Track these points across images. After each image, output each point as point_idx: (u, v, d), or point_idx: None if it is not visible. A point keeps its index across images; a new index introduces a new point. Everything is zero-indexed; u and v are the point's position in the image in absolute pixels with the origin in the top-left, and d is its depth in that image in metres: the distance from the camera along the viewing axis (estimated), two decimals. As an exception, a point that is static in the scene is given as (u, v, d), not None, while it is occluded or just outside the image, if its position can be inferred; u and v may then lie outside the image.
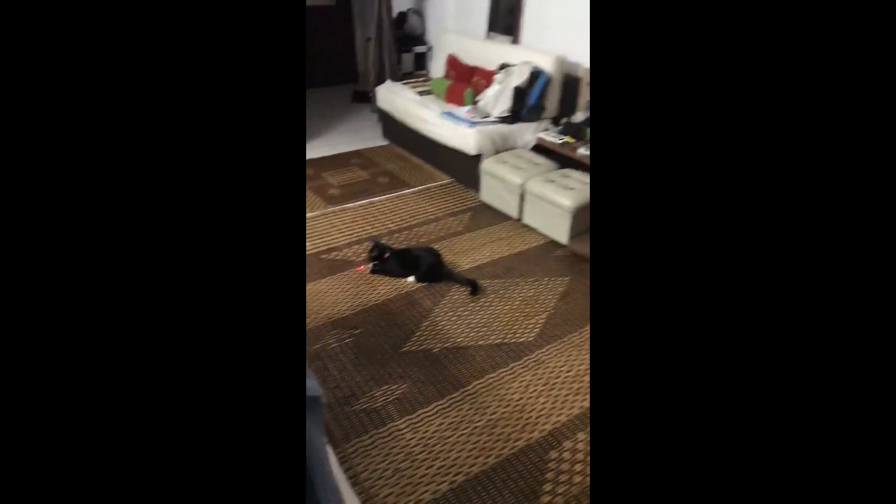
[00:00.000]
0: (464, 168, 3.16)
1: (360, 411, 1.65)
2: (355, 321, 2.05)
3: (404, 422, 1.62)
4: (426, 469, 1.47)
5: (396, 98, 3.60)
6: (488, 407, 1.67)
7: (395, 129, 3.81)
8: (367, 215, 2.90)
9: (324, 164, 3.58)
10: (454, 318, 2.07)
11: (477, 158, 3.00)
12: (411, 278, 2.30)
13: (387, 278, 2.32)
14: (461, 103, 3.34)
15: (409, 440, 1.55)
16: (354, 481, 1.43)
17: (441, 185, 3.29)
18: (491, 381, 1.78)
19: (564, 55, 3.08)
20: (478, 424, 1.61)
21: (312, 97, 5.08)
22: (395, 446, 1.53)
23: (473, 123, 3.01)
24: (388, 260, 2.32)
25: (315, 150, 3.86)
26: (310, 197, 3.10)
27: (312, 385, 0.91)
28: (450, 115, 3.16)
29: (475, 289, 2.23)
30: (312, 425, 0.97)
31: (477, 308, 2.14)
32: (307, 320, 2.05)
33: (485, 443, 1.55)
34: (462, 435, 1.57)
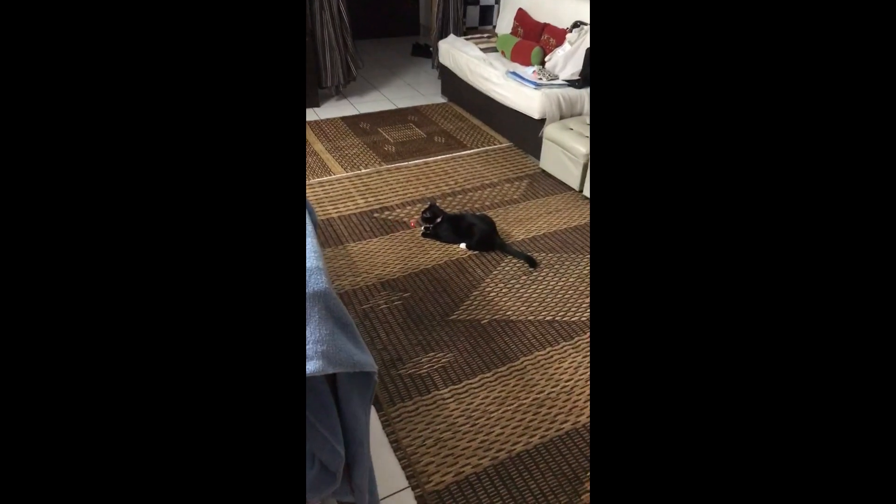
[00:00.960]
0: (525, 132, 3.02)
1: (406, 376, 1.64)
2: (405, 285, 2.03)
3: (449, 391, 1.60)
4: (468, 442, 1.45)
5: (459, 54, 3.45)
6: (535, 385, 1.63)
7: (455, 87, 3.67)
8: (422, 176, 2.84)
9: (380, 119, 3.52)
10: (505, 291, 2.01)
11: (540, 123, 2.86)
12: (463, 245, 2.24)
13: (438, 243, 2.28)
14: (528, 63, 3.16)
15: (452, 410, 1.54)
16: (396, 446, 1.43)
17: (499, 149, 3.17)
18: (540, 358, 1.73)
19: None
20: (524, 402, 1.57)
21: (372, 48, 4.97)
22: (438, 415, 1.52)
23: (539, 85, 2.85)
24: (440, 224, 2.27)
25: (371, 103, 3.80)
26: (365, 153, 3.06)
27: (367, 361, 0.89)
28: (514, 74, 3.00)
29: (532, 263, 2.15)
30: (360, 403, 0.95)
31: (529, 282, 2.07)
32: (357, 279, 2.05)
33: (530, 421, 1.52)
34: (507, 411, 1.54)
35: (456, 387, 1.61)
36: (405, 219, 2.44)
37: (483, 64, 3.23)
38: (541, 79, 2.90)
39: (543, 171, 2.89)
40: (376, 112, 3.64)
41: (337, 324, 0.85)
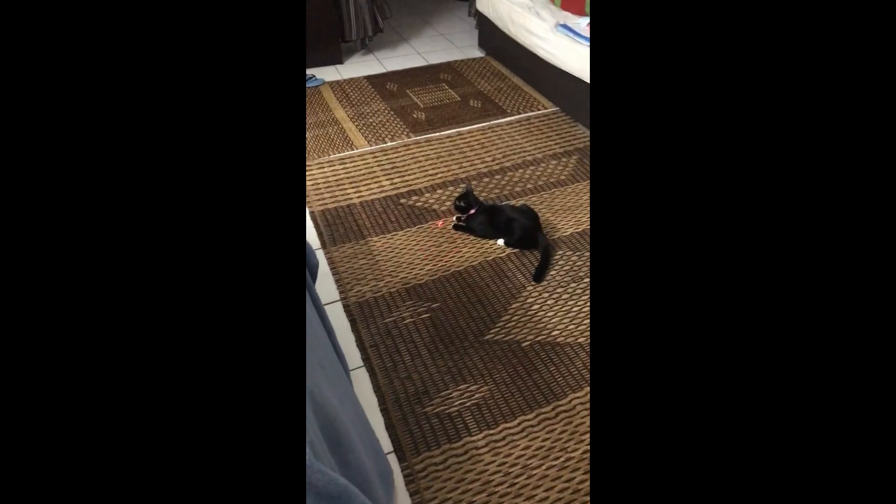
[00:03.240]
0: (574, 97, 2.61)
1: (433, 415, 1.41)
2: (433, 292, 1.76)
3: (483, 437, 1.36)
4: (506, 507, 1.22)
5: (499, 1, 2.99)
6: (587, 432, 1.37)
7: (495, 40, 3.23)
8: (455, 150, 2.50)
9: (409, 79, 3.14)
10: (551, 303, 1.72)
11: (594, 88, 2.44)
12: (501, 241, 1.94)
13: (472, 238, 1.98)
14: (581, 13, 2.68)
15: (487, 465, 1.30)
16: (421, 510, 1.22)
17: (544, 116, 2.77)
18: (592, 396, 1.45)
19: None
20: (572, 455, 1.32)
21: (402, -8, 4.47)
22: (470, 470, 1.29)
23: (595, 42, 2.40)
24: (474, 216, 1.96)
25: (399, 59, 3.40)
26: (392, 121, 2.73)
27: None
28: (566, 27, 2.55)
29: (540, 265, 1.82)
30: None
31: (580, 291, 1.76)
32: (380, 283, 1.79)
33: (580, 482, 1.27)
34: (552, 468, 1.29)
35: (491, 432, 1.37)
36: (435, 206, 2.14)
37: (528, 14, 2.77)
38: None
39: (595, 144, 2.50)
40: (405, 70, 3.25)
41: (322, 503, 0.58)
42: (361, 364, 1.54)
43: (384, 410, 1.42)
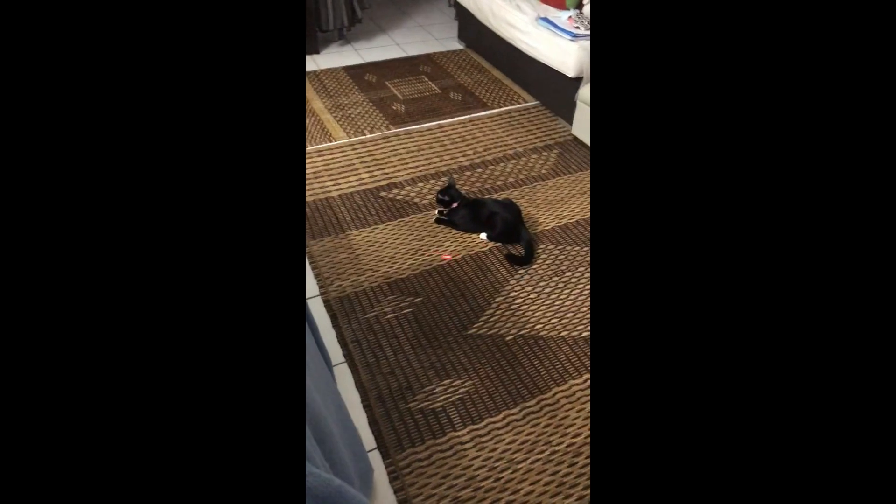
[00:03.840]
0: (555, 91, 2.61)
1: (416, 411, 1.39)
2: (415, 286, 1.74)
3: (468, 433, 1.35)
4: (491, 503, 1.21)
5: (480, -8, 2.96)
6: (571, 425, 1.37)
7: (475, 31, 3.20)
8: (435, 143, 2.48)
9: (388, 70, 3.09)
10: (534, 296, 1.72)
11: (575, 82, 2.44)
12: (483, 235, 1.92)
13: (453, 232, 1.96)
14: (563, 6, 2.68)
15: (472, 459, 1.29)
16: (405, 507, 1.20)
17: (524, 109, 2.76)
18: (576, 390, 1.46)
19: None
20: (557, 448, 1.32)
21: (379, -19, 4.39)
22: (455, 465, 1.28)
23: (576, 36, 2.40)
24: (456, 210, 1.94)
25: (379, 50, 3.34)
26: (372, 113, 2.68)
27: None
28: (547, 21, 2.55)
29: (523, 257, 1.84)
30: None
31: (562, 285, 1.76)
32: (361, 278, 1.76)
33: (564, 475, 1.27)
34: (537, 461, 1.29)
35: (476, 427, 1.36)
36: (416, 199, 2.11)
37: (508, 6, 2.75)
38: (578, 27, 2.45)
39: (576, 138, 2.51)
40: (384, 61, 3.20)
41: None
42: (343, 360, 1.50)
43: (367, 407, 1.39)
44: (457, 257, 1.85)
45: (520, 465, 1.28)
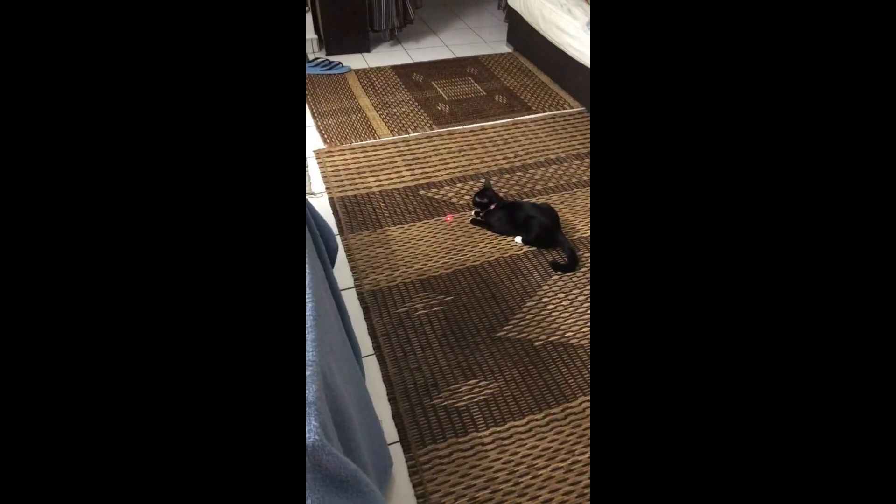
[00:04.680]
0: (602, 98, 2.56)
1: (440, 408, 1.40)
2: (447, 285, 1.75)
3: (490, 434, 1.34)
4: (509, 506, 1.21)
5: (532, -4, 2.95)
6: (595, 436, 1.35)
7: (524, 35, 3.19)
8: (476, 144, 2.48)
9: (435, 71, 3.12)
10: (566, 304, 1.70)
11: (623, 89, 2.39)
12: (518, 239, 1.92)
13: (489, 233, 1.96)
14: (614, 11, 2.64)
15: (492, 461, 1.29)
16: (424, 501, 1.21)
17: (569, 115, 2.73)
18: (603, 400, 1.43)
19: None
20: (579, 458, 1.30)
21: (433, -17, 4.44)
22: (475, 465, 1.28)
23: (627, 42, 2.35)
24: (493, 212, 1.94)
25: (427, 51, 3.38)
26: (415, 112, 2.71)
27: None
28: (597, 26, 2.51)
29: (559, 265, 1.81)
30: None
31: (596, 294, 1.73)
32: (395, 273, 1.78)
33: (584, 486, 1.25)
34: (559, 469, 1.27)
35: (499, 429, 1.36)
36: (454, 199, 2.12)
37: (560, 11, 2.73)
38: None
39: (620, 146, 2.46)
40: (432, 61, 3.24)
41: (330, 486, 0.57)
42: (372, 352, 1.53)
43: (392, 400, 1.41)
44: (490, 259, 1.85)
45: (540, 472, 1.27)
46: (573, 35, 2.61)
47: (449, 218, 2.00)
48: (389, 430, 1.34)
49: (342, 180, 2.22)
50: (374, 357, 1.52)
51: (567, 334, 1.60)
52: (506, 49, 3.43)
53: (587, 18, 2.61)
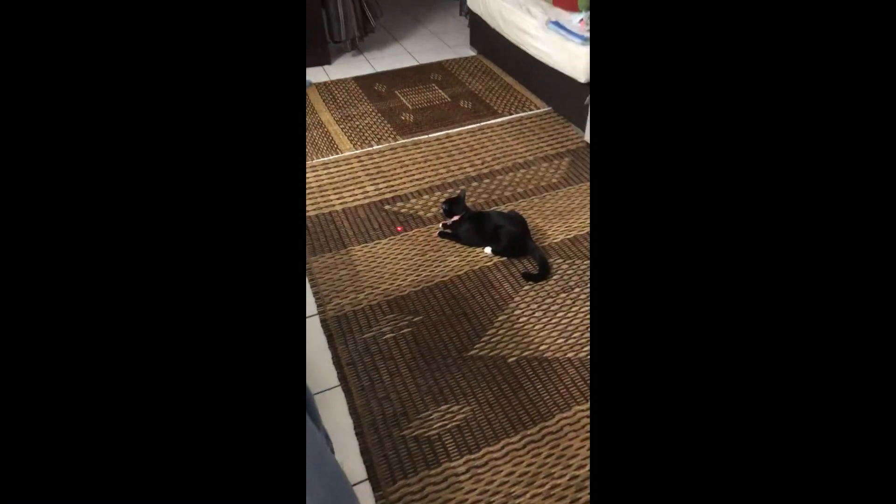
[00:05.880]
0: (567, 96, 2.52)
1: (410, 438, 1.32)
2: (416, 304, 1.67)
3: (464, 463, 1.27)
4: (486, 541, 1.13)
5: (490, -2, 2.90)
6: (575, 455, 1.28)
7: (486, 38, 3.14)
8: (442, 153, 2.42)
9: (398, 80, 3.05)
10: (539, 315, 1.63)
11: (587, 87, 2.35)
12: (488, 250, 1.85)
13: (458, 246, 1.89)
14: (574, 8, 2.59)
15: (467, 493, 1.22)
16: (395, 544, 1.13)
17: (536, 116, 2.68)
18: (581, 416, 1.37)
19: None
20: (558, 482, 1.23)
21: (393, -10, 4.38)
22: (449, 499, 1.21)
23: (587, 40, 2.31)
24: (459, 223, 1.87)
25: (390, 59, 3.31)
26: (379, 123, 2.64)
27: None
28: (557, 25, 2.46)
29: (538, 274, 1.75)
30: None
31: (570, 302, 1.67)
32: (360, 295, 1.71)
33: (566, 512, 1.18)
34: (537, 496, 1.21)
35: (473, 457, 1.28)
36: (421, 212, 2.05)
37: (518, 11, 2.68)
38: (589, 31, 2.35)
39: (588, 145, 2.41)
40: (395, 70, 3.17)
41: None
42: (337, 383, 1.45)
43: (359, 434, 1.33)
44: (459, 273, 1.78)
45: (518, 500, 1.20)
46: (533, 35, 2.56)
47: (399, 229, 1.95)
48: (357, 468, 1.26)
49: (304, 200, 2.14)
50: (339, 389, 1.44)
51: (541, 348, 1.53)
52: (470, 52, 3.38)
53: (546, 17, 2.57)
